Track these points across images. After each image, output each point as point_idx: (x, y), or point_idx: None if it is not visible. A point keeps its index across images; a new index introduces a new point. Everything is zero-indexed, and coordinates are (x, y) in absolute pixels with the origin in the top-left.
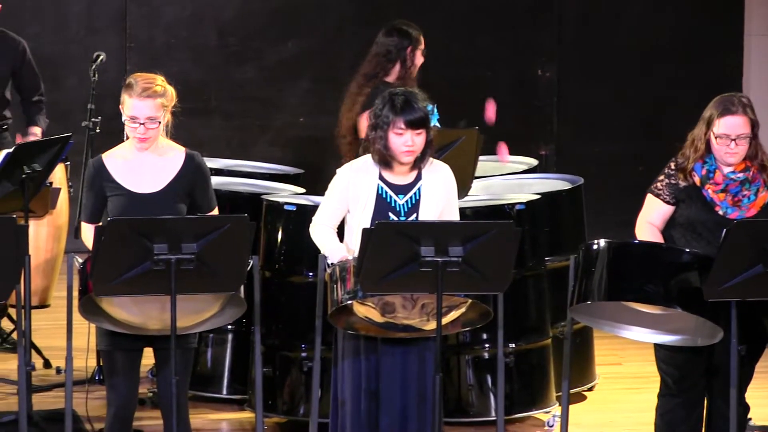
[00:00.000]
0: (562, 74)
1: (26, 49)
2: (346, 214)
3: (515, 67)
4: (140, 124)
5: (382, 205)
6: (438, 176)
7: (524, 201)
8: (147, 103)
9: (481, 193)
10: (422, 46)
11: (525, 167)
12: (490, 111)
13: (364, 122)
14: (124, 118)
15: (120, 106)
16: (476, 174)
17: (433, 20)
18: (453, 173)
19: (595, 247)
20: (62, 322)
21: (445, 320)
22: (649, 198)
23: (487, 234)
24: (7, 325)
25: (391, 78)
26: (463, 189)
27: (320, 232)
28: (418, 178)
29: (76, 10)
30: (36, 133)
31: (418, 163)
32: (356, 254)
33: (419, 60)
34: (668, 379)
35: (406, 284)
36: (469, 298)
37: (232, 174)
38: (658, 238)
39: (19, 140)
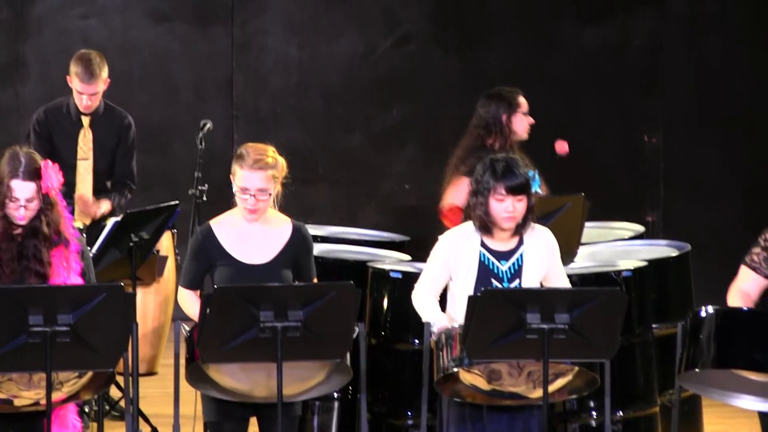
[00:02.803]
0: (668, 140)
1: (131, 125)
2: (448, 282)
3: (621, 132)
4: (251, 195)
5: (484, 271)
6: (540, 241)
7: (631, 268)
8: (258, 174)
9: (587, 260)
10: (522, 110)
11: (632, 233)
12: (560, 147)
13: (462, 190)
14: (234, 188)
15: (231, 176)
16: (582, 240)
17: (539, 86)
18: (559, 240)
19: (702, 314)
20: (169, 390)
21: (551, 388)
22: (744, 270)
23: (593, 301)
24: (115, 392)
25: (493, 147)
26: (569, 255)
27: (422, 300)
28: (520, 243)
29: (184, 78)
30: (103, 207)
31: (519, 229)
32: (460, 322)
33: (519, 125)
34: None
35: (512, 351)
36: (575, 365)
37: (339, 241)
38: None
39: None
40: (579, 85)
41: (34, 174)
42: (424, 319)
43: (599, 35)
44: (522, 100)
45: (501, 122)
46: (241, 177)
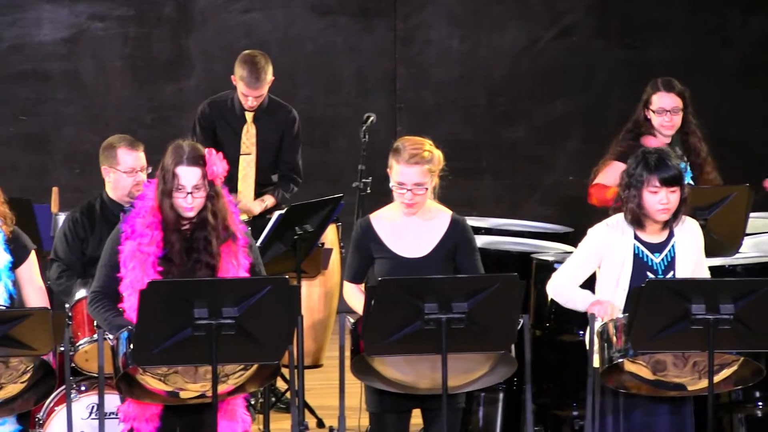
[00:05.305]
0: None
1: (295, 119)
2: (594, 273)
3: None
4: (407, 190)
5: (639, 264)
6: (689, 234)
7: None
8: (414, 169)
9: (751, 250)
10: (654, 106)
11: None
12: None
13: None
14: (391, 183)
15: (388, 170)
16: (747, 231)
17: (703, 79)
18: (723, 230)
19: None
20: (335, 382)
21: (717, 378)
22: None
23: (758, 291)
24: (280, 385)
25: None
26: (733, 246)
27: (565, 287)
28: (671, 235)
29: (347, 72)
30: (264, 200)
31: (670, 222)
32: (619, 311)
33: (655, 119)
34: None
35: (677, 342)
36: (741, 355)
37: (502, 233)
38: None
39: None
40: (744, 75)
41: (199, 159)
42: (570, 305)
43: (764, 25)
44: (653, 98)
45: (643, 113)
46: (398, 172)
